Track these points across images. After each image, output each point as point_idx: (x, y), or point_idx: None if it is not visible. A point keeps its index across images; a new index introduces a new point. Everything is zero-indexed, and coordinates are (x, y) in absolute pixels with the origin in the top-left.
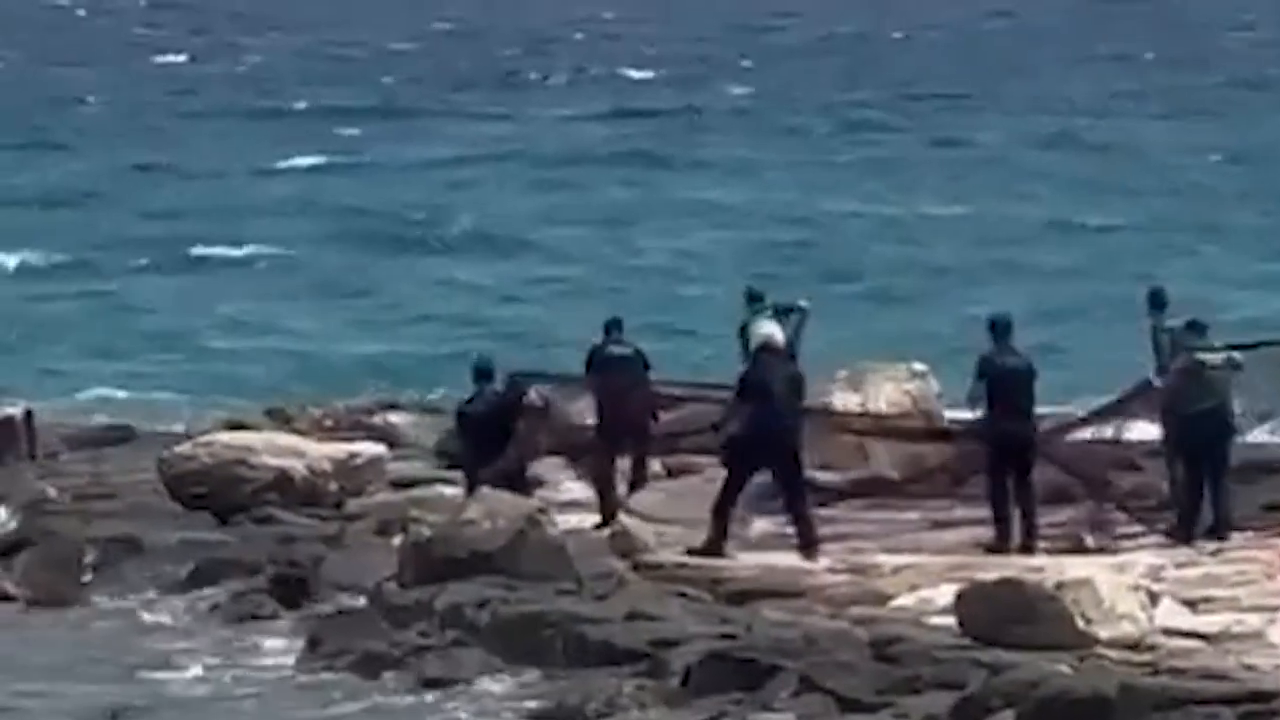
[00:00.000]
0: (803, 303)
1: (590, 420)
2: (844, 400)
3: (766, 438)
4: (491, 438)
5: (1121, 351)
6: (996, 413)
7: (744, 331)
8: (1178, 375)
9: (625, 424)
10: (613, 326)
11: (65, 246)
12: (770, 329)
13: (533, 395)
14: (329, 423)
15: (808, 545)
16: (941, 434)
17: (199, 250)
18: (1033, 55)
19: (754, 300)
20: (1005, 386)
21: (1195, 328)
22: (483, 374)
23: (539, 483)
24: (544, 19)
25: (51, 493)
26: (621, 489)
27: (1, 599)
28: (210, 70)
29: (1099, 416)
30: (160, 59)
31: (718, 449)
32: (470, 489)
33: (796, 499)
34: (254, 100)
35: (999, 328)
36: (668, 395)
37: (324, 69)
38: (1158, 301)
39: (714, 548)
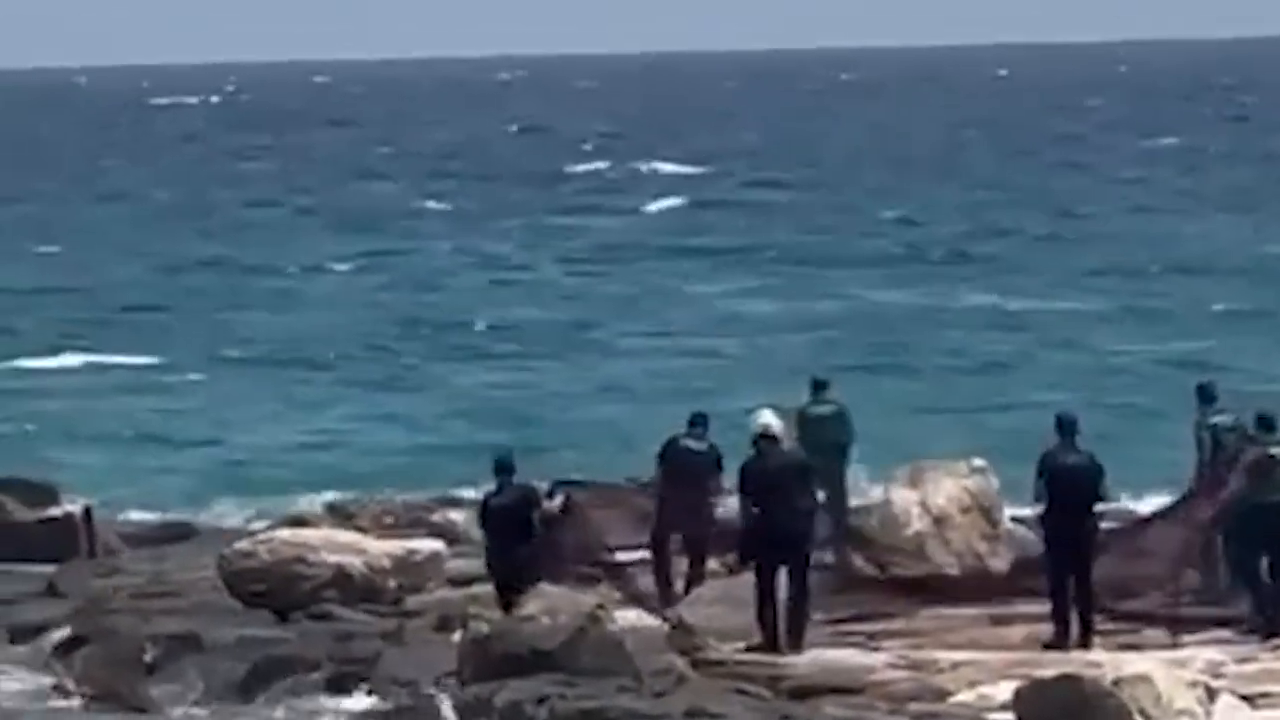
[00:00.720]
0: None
1: (642, 526)
2: (902, 497)
3: (771, 531)
4: (512, 531)
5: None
6: (1055, 510)
7: (801, 419)
8: (1247, 469)
9: (685, 517)
10: (695, 421)
11: (125, 345)
12: (767, 418)
13: (550, 504)
14: (388, 519)
15: (795, 639)
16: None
17: (249, 349)
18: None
19: (819, 388)
20: (1065, 484)
21: (1265, 423)
22: (503, 468)
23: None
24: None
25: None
26: (679, 585)
27: (62, 696)
28: (266, 167)
29: (1163, 515)
30: (219, 155)
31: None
32: (494, 583)
33: (798, 591)
34: (301, 196)
35: (1064, 425)
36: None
37: (381, 164)
38: (1206, 396)
39: (767, 648)
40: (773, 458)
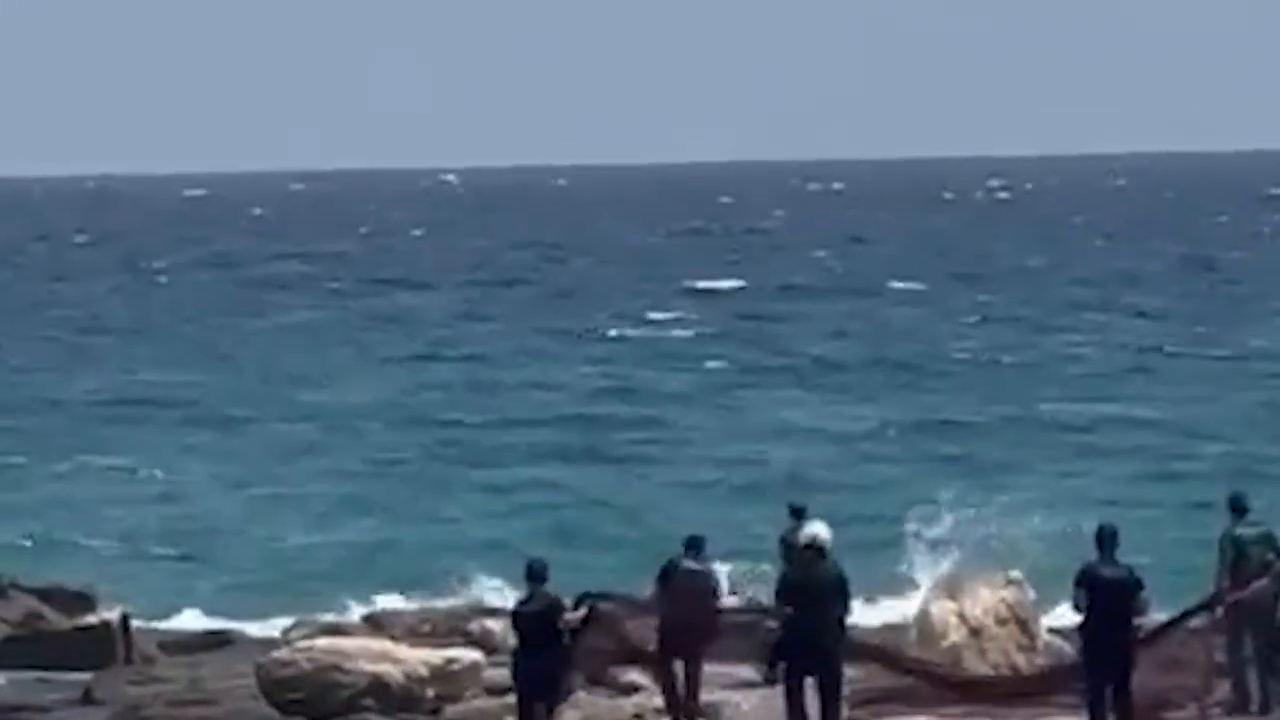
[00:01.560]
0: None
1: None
2: (940, 608)
3: (804, 641)
4: (539, 639)
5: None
6: (1093, 622)
7: (784, 544)
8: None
9: (684, 636)
10: (692, 544)
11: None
12: (817, 528)
13: (574, 614)
14: (426, 628)
15: None
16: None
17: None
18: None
19: (795, 514)
20: (1104, 596)
21: None
22: (535, 576)
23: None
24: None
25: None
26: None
27: None
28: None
29: (1182, 619)
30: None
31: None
32: (517, 692)
33: (829, 702)
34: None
35: (1104, 538)
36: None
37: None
38: (1237, 506)
39: None
40: (814, 569)
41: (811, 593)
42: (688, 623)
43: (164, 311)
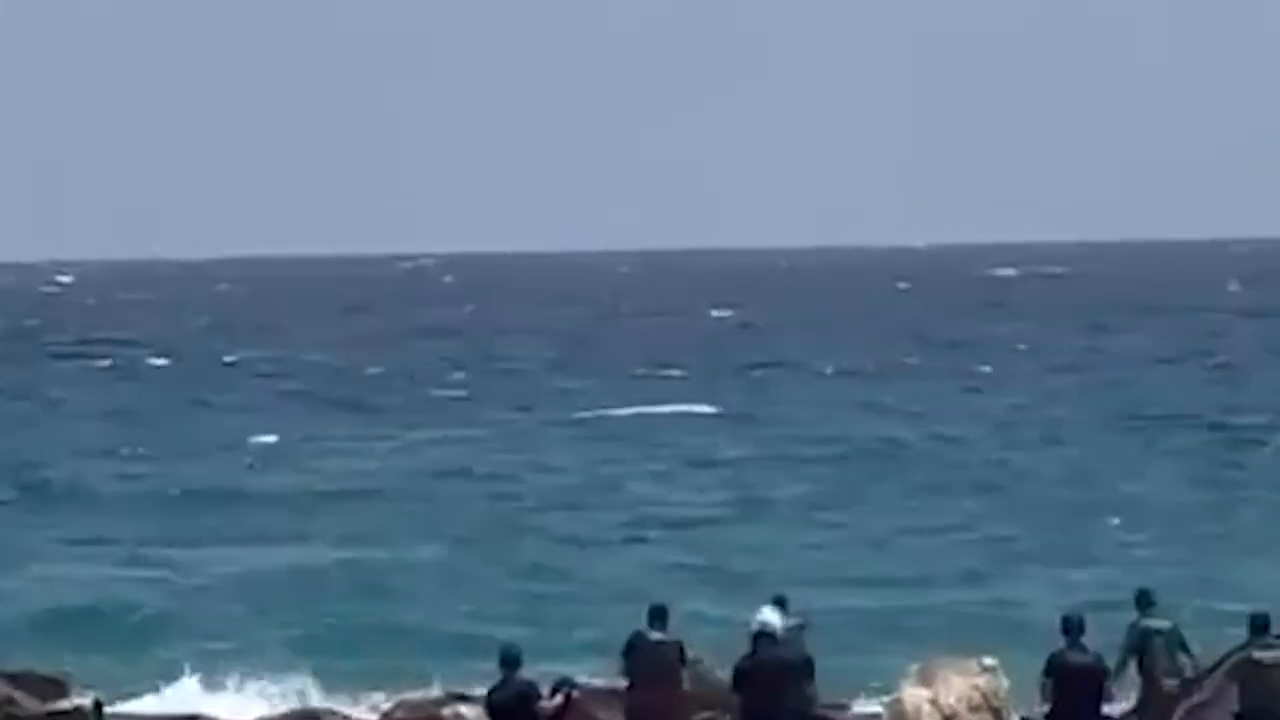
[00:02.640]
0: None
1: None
2: (913, 695)
3: None
4: None
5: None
6: (1059, 710)
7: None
8: (1235, 672)
9: (651, 709)
10: (655, 615)
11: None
12: (767, 616)
13: (549, 701)
14: (399, 715)
15: None
16: None
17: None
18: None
19: (778, 604)
20: (1071, 685)
21: (1256, 624)
22: (509, 662)
23: None
24: None
25: None
26: None
27: None
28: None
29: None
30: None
31: None
32: None
33: None
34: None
35: (1070, 626)
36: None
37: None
38: (1144, 601)
39: None
40: (767, 655)
41: (763, 680)
42: (655, 695)
43: None
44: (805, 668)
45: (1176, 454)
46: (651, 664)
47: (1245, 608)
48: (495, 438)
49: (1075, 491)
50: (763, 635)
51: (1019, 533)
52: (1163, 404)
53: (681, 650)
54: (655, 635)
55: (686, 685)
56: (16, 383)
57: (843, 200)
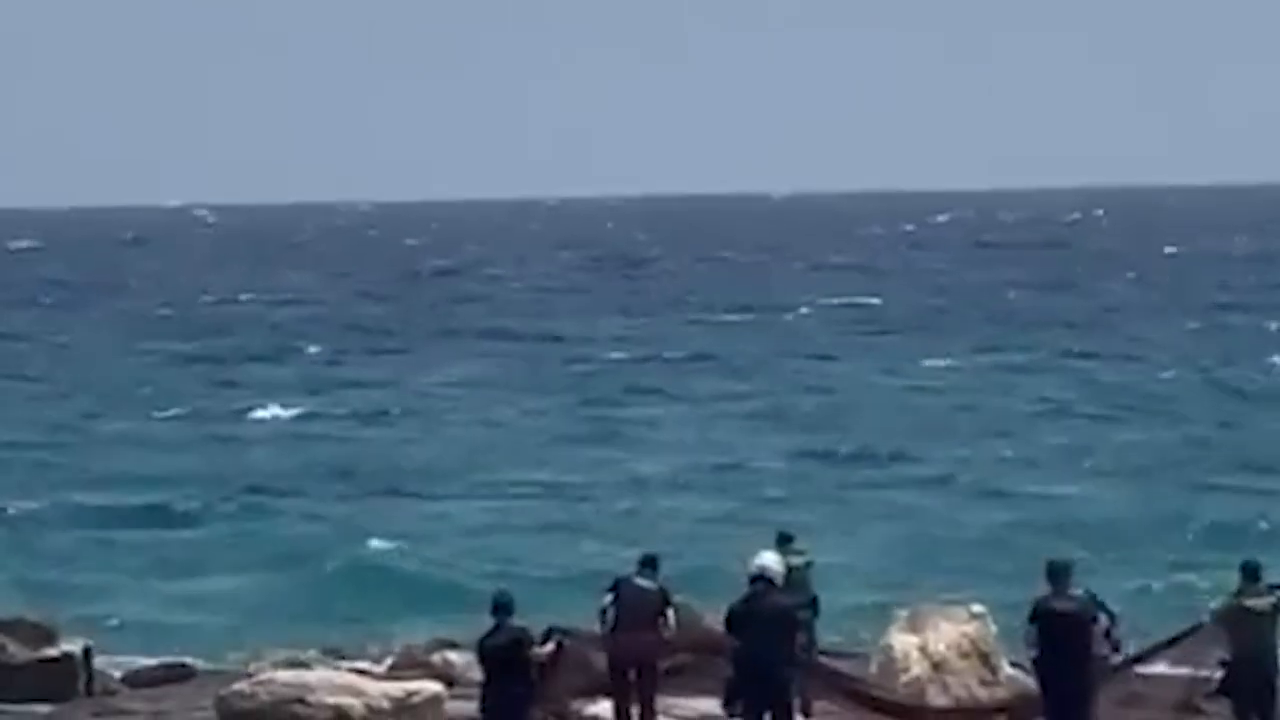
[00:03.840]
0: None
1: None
2: (902, 642)
3: (750, 673)
4: (505, 672)
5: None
6: (1045, 657)
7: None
8: (1225, 619)
9: (629, 653)
10: (645, 563)
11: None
12: (765, 559)
13: (542, 649)
14: (388, 660)
15: None
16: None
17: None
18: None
19: (784, 541)
20: (1056, 631)
21: (1248, 572)
22: (501, 608)
23: None
24: None
25: None
26: None
27: None
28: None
29: (1145, 657)
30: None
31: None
32: None
33: None
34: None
35: (1055, 571)
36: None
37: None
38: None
39: None
40: (761, 601)
41: (758, 624)
42: (633, 639)
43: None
44: (803, 612)
45: None
46: (634, 609)
47: None
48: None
49: None
50: (760, 579)
51: None
52: None
53: (666, 598)
54: (640, 581)
55: (669, 632)
56: None
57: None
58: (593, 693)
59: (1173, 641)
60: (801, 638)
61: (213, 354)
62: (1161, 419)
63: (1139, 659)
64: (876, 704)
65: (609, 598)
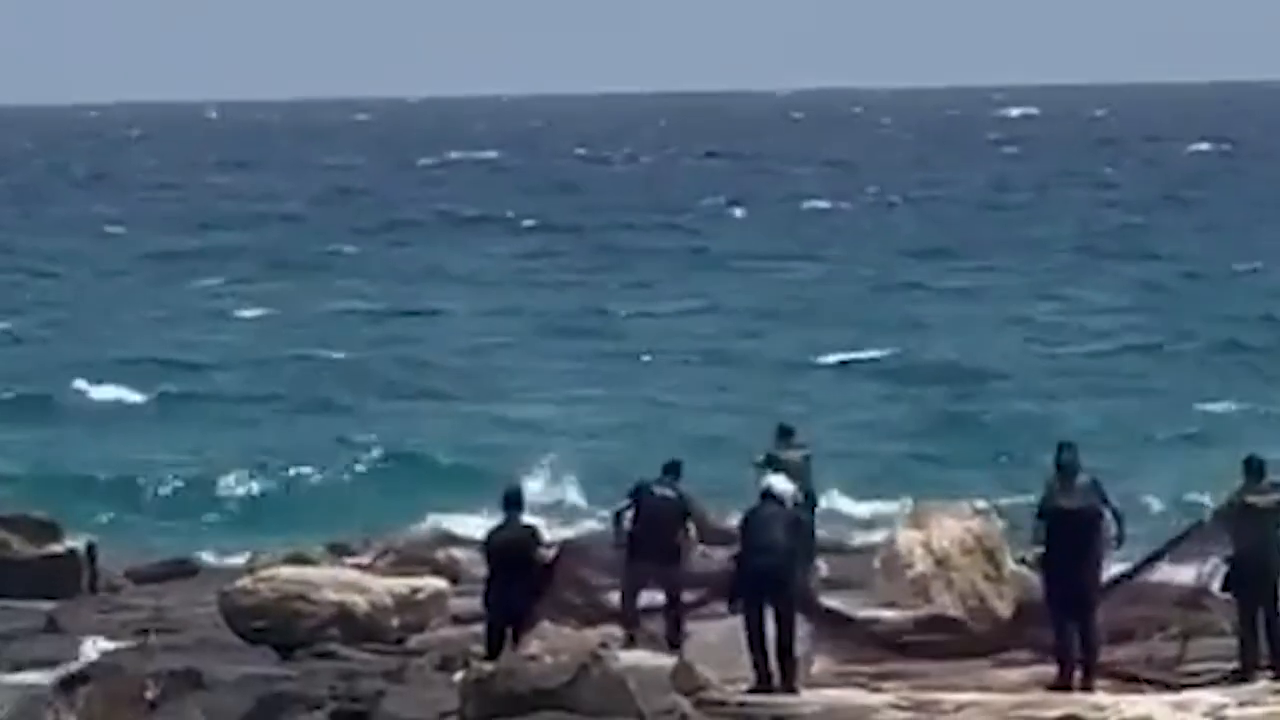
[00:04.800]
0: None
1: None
2: (906, 538)
3: (758, 576)
4: (513, 567)
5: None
6: (1052, 554)
7: (769, 463)
8: (1228, 516)
9: (654, 560)
10: (669, 469)
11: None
12: (774, 480)
13: (544, 551)
14: (390, 557)
15: (786, 680)
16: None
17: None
18: None
19: (785, 435)
20: (1063, 528)
21: (1252, 468)
22: (512, 502)
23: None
24: None
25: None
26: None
27: None
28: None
29: (1153, 559)
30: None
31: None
32: (488, 621)
33: (785, 636)
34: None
35: (1063, 462)
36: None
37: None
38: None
39: (763, 688)
40: (768, 509)
41: (761, 527)
42: (657, 549)
43: None
44: (803, 512)
45: None
46: (652, 518)
47: None
48: None
49: None
50: (769, 495)
51: None
52: None
53: (687, 507)
54: (660, 489)
55: (690, 543)
56: None
57: None
58: (589, 621)
59: (1175, 542)
60: (807, 543)
61: (219, 246)
62: None
63: (1144, 565)
64: (877, 640)
65: (626, 504)
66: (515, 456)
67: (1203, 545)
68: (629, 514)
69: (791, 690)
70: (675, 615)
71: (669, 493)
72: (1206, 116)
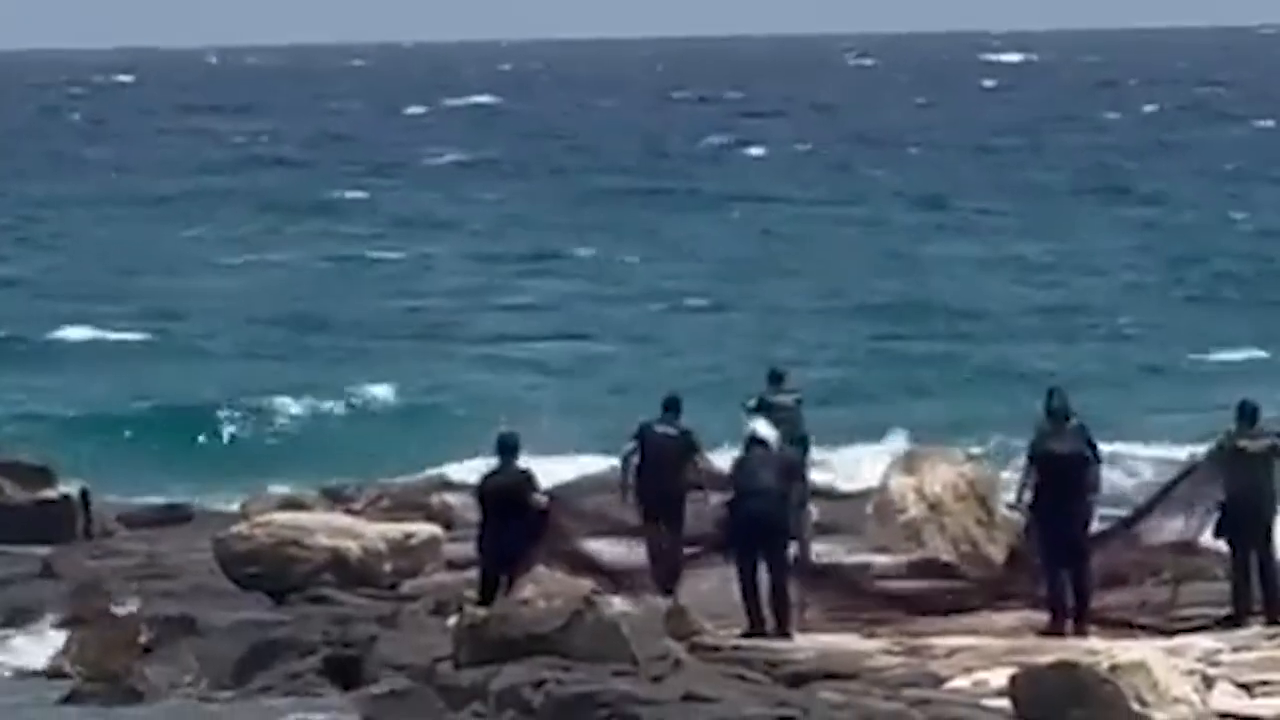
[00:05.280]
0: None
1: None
2: (899, 483)
3: (750, 521)
4: (507, 513)
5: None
6: (1043, 499)
7: (760, 407)
8: (1219, 460)
9: (656, 500)
10: (669, 406)
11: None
12: (759, 425)
13: (538, 497)
14: (384, 502)
15: (780, 625)
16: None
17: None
18: None
19: (777, 380)
20: (1053, 472)
21: (1245, 413)
22: (506, 448)
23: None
24: None
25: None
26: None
27: (57, 677)
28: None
29: (1150, 506)
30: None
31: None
32: (481, 567)
33: (779, 579)
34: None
35: (1053, 406)
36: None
37: None
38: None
39: (756, 633)
40: (757, 454)
41: (752, 473)
42: (660, 489)
43: None
44: (796, 457)
45: None
46: (656, 457)
47: None
48: None
49: None
50: (755, 440)
51: None
52: None
53: (690, 442)
54: (662, 428)
55: (698, 477)
56: None
57: None
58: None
59: (1168, 489)
60: (799, 487)
61: (211, 189)
62: None
63: (1138, 516)
64: (871, 596)
65: (631, 445)
66: (507, 402)
67: (1195, 490)
68: (634, 458)
69: (785, 635)
70: (674, 562)
71: (671, 430)
72: (1204, 61)
